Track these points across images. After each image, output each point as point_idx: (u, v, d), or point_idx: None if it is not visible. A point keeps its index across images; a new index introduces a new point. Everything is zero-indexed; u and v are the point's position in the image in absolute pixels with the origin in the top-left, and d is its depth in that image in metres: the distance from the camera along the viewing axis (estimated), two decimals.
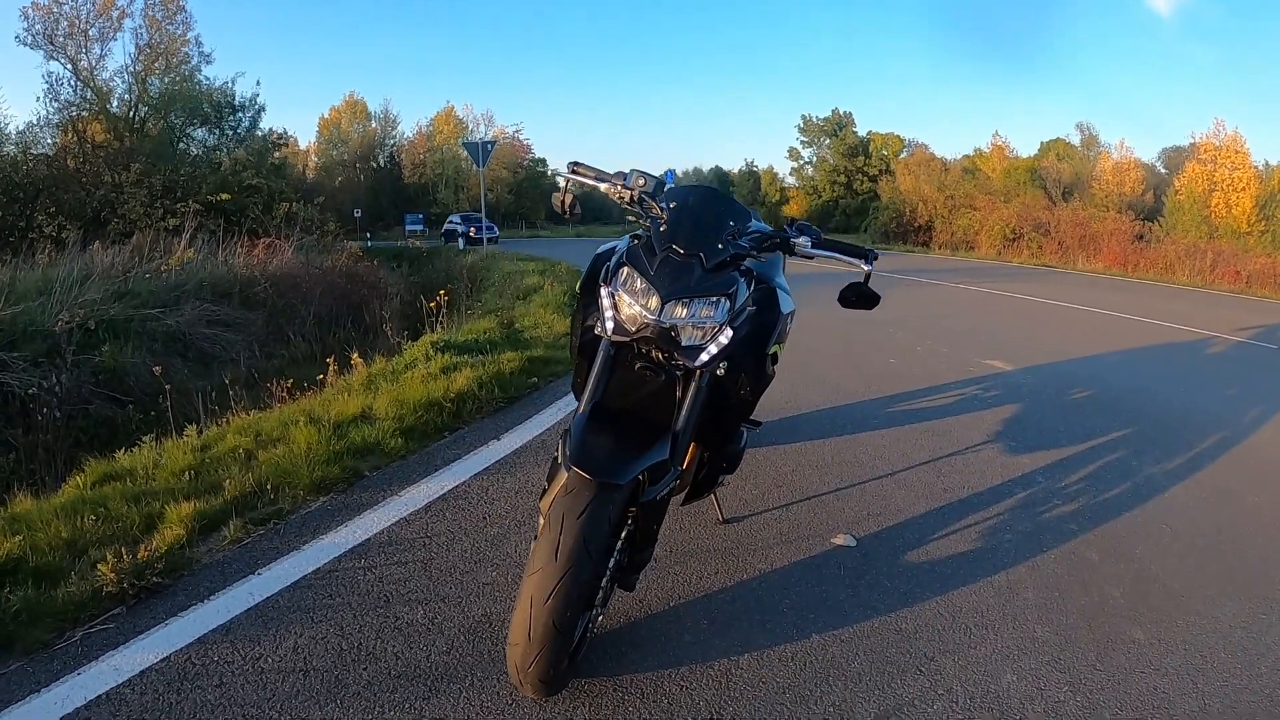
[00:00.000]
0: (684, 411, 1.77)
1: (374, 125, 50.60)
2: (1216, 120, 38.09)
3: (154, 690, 1.78)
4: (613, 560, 1.72)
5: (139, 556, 2.26)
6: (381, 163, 50.25)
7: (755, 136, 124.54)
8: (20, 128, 18.59)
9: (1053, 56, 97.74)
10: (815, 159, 59.14)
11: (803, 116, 59.99)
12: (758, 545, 2.63)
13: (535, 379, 4.89)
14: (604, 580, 1.72)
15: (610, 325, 1.71)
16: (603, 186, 2.05)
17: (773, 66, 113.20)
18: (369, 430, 3.54)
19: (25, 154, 15.79)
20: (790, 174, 61.22)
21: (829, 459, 3.58)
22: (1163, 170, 42.63)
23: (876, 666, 2.01)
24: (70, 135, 16.61)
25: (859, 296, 1.98)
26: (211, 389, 6.92)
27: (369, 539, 2.52)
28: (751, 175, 65.51)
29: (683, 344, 1.69)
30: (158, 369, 5.35)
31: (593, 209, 72.15)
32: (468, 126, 51.44)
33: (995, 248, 23.22)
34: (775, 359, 2.13)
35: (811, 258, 1.97)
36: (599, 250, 2.16)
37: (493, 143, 20.86)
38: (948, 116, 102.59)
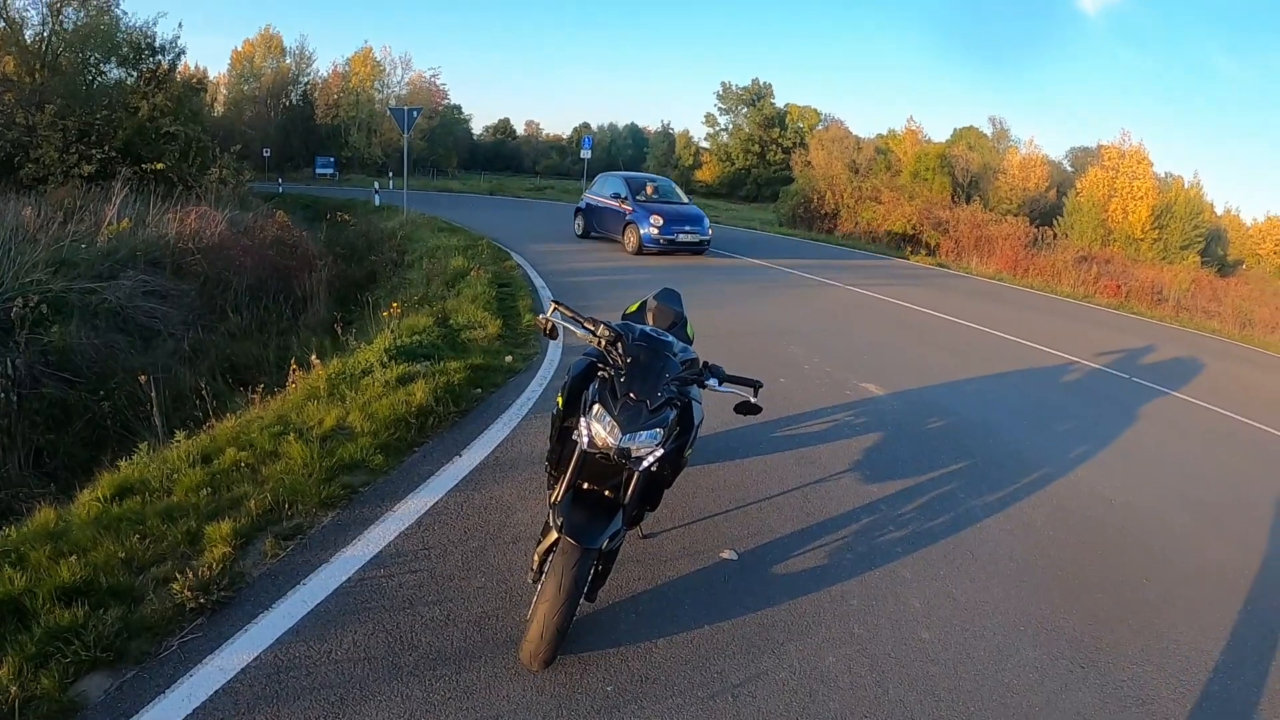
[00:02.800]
0: (630, 494, 2.73)
1: (289, 62, 49.05)
2: (1124, 130, 40.81)
3: (259, 683, 2.52)
4: (587, 585, 2.66)
5: (201, 574, 2.94)
6: (294, 101, 48.66)
7: (675, 98, 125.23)
8: None
9: (975, 46, 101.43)
10: (731, 127, 60.34)
11: (722, 83, 61.12)
12: (668, 557, 3.60)
13: (480, 389, 5.65)
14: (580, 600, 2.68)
15: (586, 441, 2.66)
16: (579, 332, 2.92)
17: (697, 29, 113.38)
18: (352, 447, 4.26)
19: None
20: (705, 139, 62.30)
21: (720, 482, 4.54)
22: (1069, 169, 45.41)
23: (744, 647, 3.03)
24: None
25: (748, 410, 2.98)
26: (156, 367, 7.38)
27: (381, 551, 3.33)
28: (667, 137, 66.26)
29: (632, 456, 2.64)
30: (143, 377, 5.74)
31: (507, 157, 70.70)
32: (384, 69, 50.45)
33: (895, 242, 24.60)
34: (689, 455, 3.11)
35: (717, 389, 2.91)
36: (575, 370, 3.04)
37: (418, 110, 20.98)
38: (867, 96, 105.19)
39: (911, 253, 23.07)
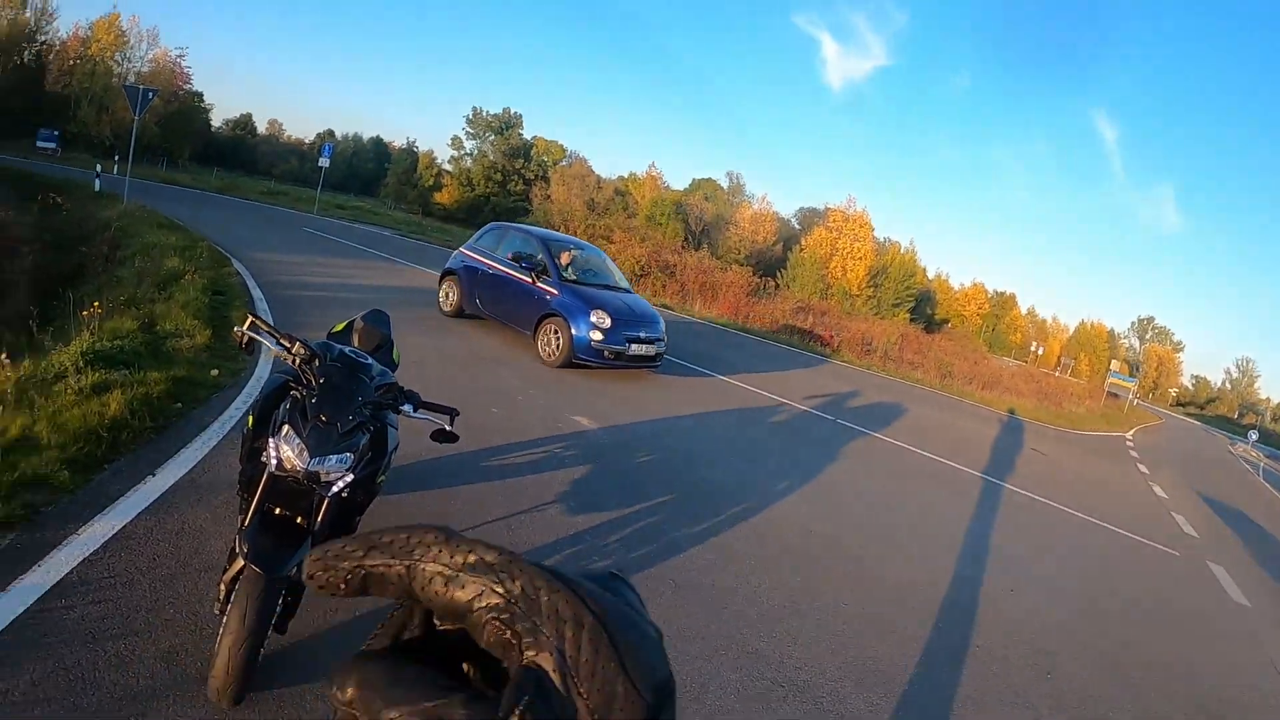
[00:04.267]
0: (318, 520, 2.78)
1: (28, 15, 41.97)
2: (850, 196, 46.36)
3: None
4: (274, 616, 2.72)
5: None
6: (26, 60, 41.63)
7: (424, 117, 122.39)
8: None
9: (723, 103, 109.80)
10: (477, 152, 60.41)
11: (474, 108, 61.68)
12: None
13: (180, 404, 5.43)
14: (268, 631, 2.73)
15: (274, 463, 2.68)
16: (273, 349, 2.91)
17: (455, 51, 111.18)
18: (37, 461, 3.99)
19: None
20: (449, 162, 62.13)
21: (422, 510, 4.69)
22: (796, 226, 50.44)
23: None
24: None
25: (444, 438, 3.09)
26: None
27: (63, 579, 3.18)
28: (410, 155, 65.64)
29: (321, 480, 2.71)
30: None
31: (243, 155, 64.94)
32: (129, 41, 45.68)
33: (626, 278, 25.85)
34: (383, 481, 3.21)
35: (412, 416, 3.06)
36: (268, 388, 3.09)
37: (155, 91, 19.03)
38: (613, 138, 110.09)
39: (640, 290, 24.39)
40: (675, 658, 3.81)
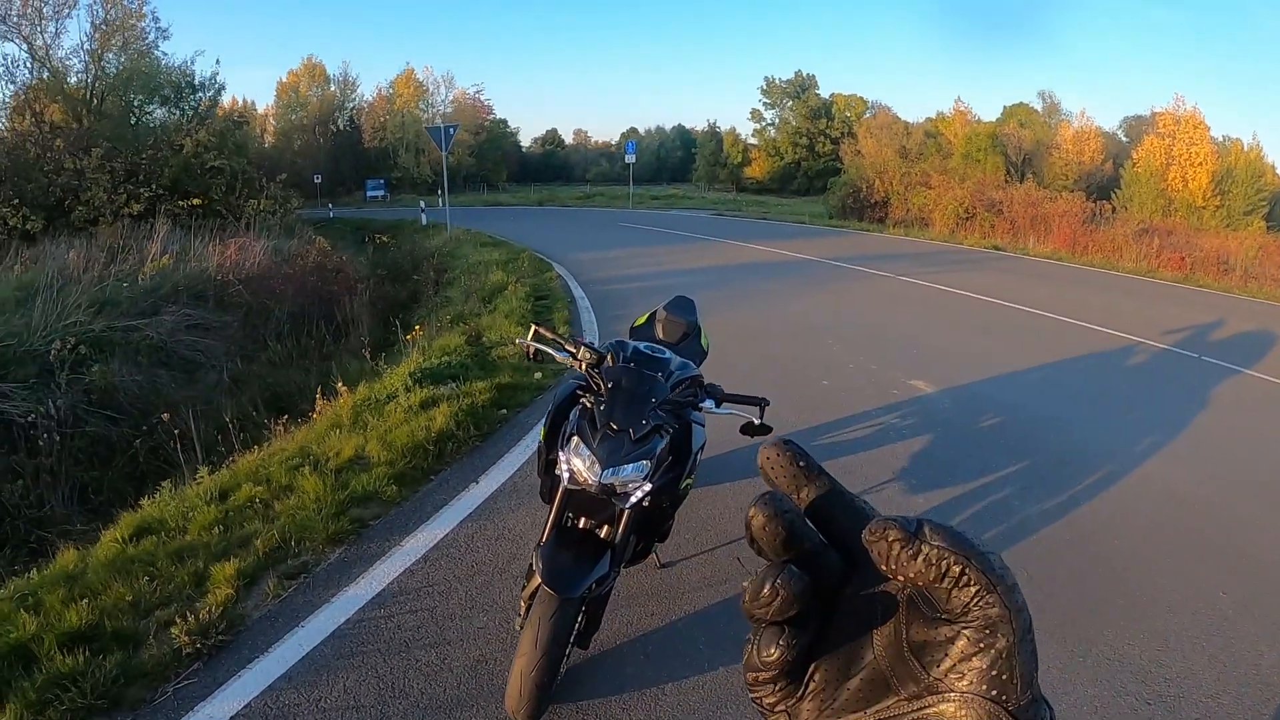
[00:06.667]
0: (619, 532, 2.49)
1: (333, 89, 50.66)
2: (1177, 95, 39.21)
3: None
4: (573, 634, 2.45)
5: (201, 618, 2.87)
6: (341, 126, 50.36)
7: (719, 96, 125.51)
8: None
9: (1020, 20, 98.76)
10: (778, 121, 59.98)
11: (766, 78, 60.95)
12: (685, 588, 3.36)
13: (505, 410, 5.51)
14: (568, 649, 2.46)
15: (567, 477, 2.43)
16: (558, 356, 2.71)
17: (737, 26, 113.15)
18: (366, 478, 4.16)
19: None
20: (753, 135, 62.09)
21: (749, 502, 4.29)
22: (1124, 139, 43.98)
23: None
24: (27, 118, 16.52)
25: (754, 431, 2.69)
26: (199, 399, 7.49)
27: (383, 590, 3.21)
28: (714, 136, 66.19)
29: (617, 492, 2.41)
30: (166, 415, 5.82)
31: (556, 167, 71.66)
32: (427, 89, 51.78)
33: (949, 226, 23.81)
34: (689, 485, 2.83)
35: (715, 412, 2.68)
36: (559, 397, 2.82)
37: (455, 126, 21.26)
38: (911, 80, 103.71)
39: (966, 235, 22.27)
40: None
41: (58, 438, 6.27)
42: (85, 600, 3.02)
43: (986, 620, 0.35)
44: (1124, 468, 5.13)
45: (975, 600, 0.35)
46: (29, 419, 6.29)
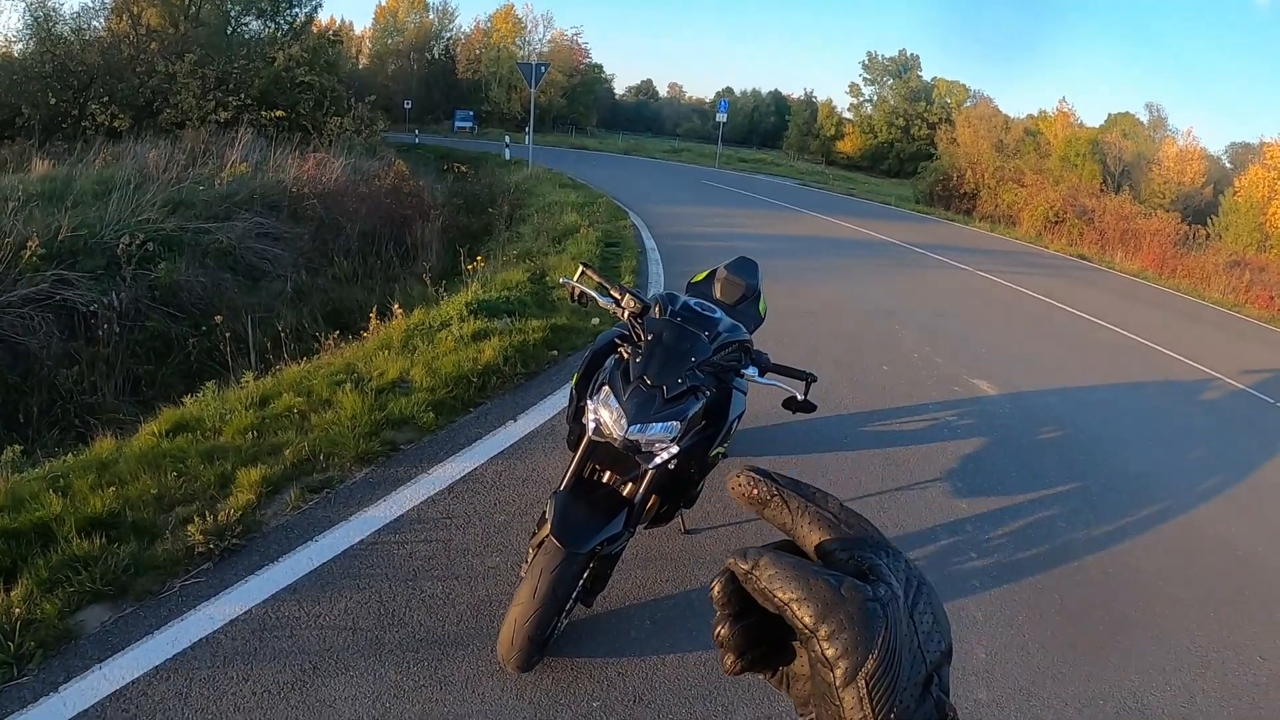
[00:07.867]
0: (640, 491, 2.36)
1: (431, 17, 50.75)
2: None
3: (241, 637, 2.43)
4: (577, 589, 2.35)
5: (219, 519, 2.87)
6: (436, 55, 50.51)
7: (820, 66, 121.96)
8: (74, 9, 19.00)
9: (1135, 29, 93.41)
10: (876, 98, 58.16)
11: (868, 53, 58.92)
12: (707, 557, 3.23)
13: (556, 351, 5.41)
14: (569, 603, 2.36)
15: (592, 428, 2.30)
16: (601, 301, 2.56)
17: None
18: (405, 402, 4.13)
19: (80, 39, 16.17)
20: (848, 110, 60.34)
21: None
22: (1228, 165, 41.34)
23: (764, 682, 2.63)
24: (125, 20, 16.89)
25: (797, 407, 2.53)
26: (260, 306, 7.60)
27: (402, 515, 3.16)
28: (810, 105, 64.51)
29: (642, 450, 2.26)
30: (219, 318, 5.89)
31: (648, 118, 70.83)
32: (526, 27, 51.44)
33: (1036, 227, 22.80)
34: (719, 454, 2.66)
35: (758, 381, 2.51)
36: (597, 344, 2.67)
37: (546, 65, 20.99)
38: (1018, 75, 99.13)
39: (1053, 239, 21.30)
40: (1041, 699, 2.82)
41: (117, 329, 6.42)
42: (112, 488, 3.07)
43: (814, 656, 0.40)
44: (1180, 507, 4.74)
45: (807, 635, 0.40)
46: (91, 308, 6.43)
